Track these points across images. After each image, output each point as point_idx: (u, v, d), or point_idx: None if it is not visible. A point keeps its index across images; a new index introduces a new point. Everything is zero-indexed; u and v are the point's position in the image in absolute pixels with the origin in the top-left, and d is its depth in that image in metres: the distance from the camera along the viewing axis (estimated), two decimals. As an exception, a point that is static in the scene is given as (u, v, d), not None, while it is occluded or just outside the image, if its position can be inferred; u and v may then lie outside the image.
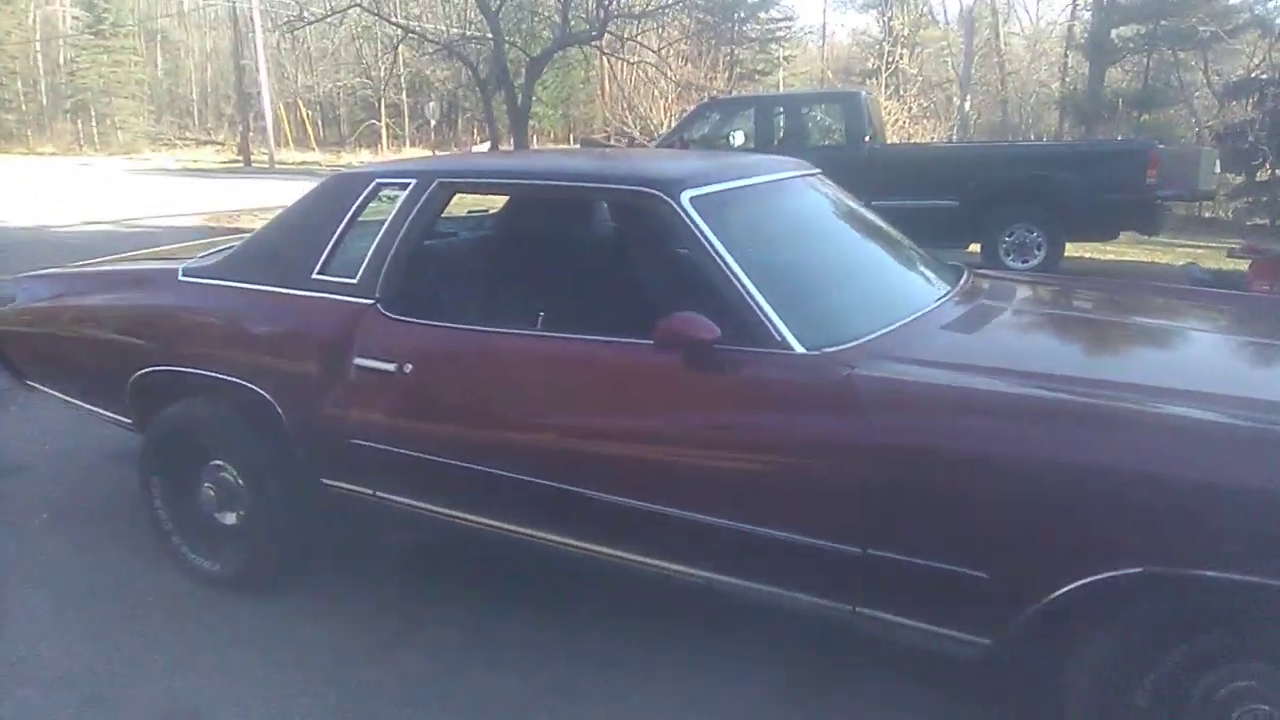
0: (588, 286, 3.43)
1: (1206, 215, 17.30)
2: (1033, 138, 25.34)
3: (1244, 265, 7.27)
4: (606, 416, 2.57)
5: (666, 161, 3.17)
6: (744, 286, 2.46)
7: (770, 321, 2.42)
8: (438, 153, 29.08)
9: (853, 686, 2.72)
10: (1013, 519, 2.12)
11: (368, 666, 2.84)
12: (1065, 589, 2.08)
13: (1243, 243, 7.57)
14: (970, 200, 9.13)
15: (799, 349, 2.39)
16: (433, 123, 31.34)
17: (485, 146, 18.87)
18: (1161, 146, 9.28)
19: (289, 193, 18.29)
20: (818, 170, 3.38)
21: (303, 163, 30.90)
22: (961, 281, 3.11)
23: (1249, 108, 17.56)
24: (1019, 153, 10.13)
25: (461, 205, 3.60)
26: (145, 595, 3.24)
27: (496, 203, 4.04)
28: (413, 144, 37.12)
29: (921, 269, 3.13)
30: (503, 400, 2.71)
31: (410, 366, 2.79)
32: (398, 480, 2.94)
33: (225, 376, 3.09)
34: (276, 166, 28.78)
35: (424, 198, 2.93)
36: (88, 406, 3.63)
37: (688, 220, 2.58)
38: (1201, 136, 18.94)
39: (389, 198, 3.04)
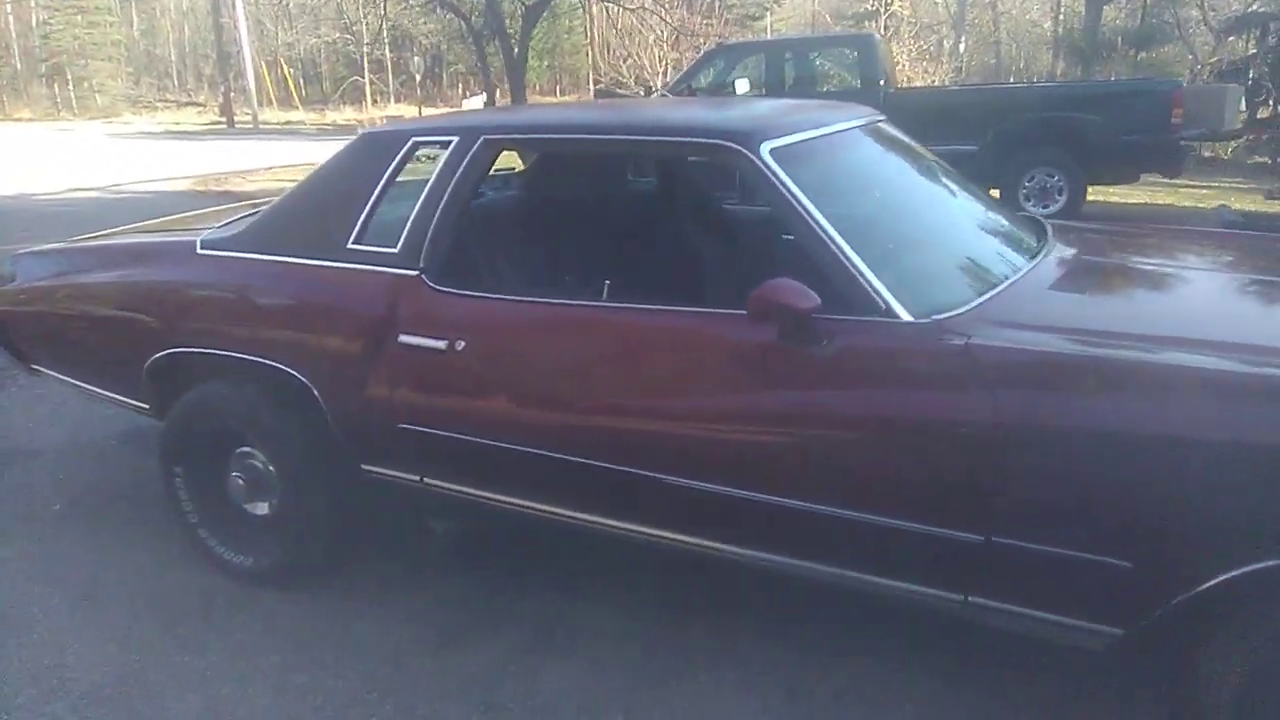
0: (656, 251, 3.17)
1: (1206, 154, 16.99)
2: (1029, 79, 24.92)
3: (1276, 206, 7.03)
4: (690, 395, 2.32)
5: (736, 110, 2.89)
6: (839, 248, 2.21)
7: (872, 287, 2.17)
8: (435, 110, 28.53)
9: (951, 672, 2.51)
10: (1166, 503, 1.89)
11: (427, 667, 2.62)
12: (1222, 577, 1.87)
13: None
14: (990, 145, 8.84)
15: (906, 316, 2.14)
16: (418, 78, 30.68)
17: (478, 100, 18.37)
18: (1185, 85, 8.97)
19: (276, 153, 17.98)
20: (882, 115, 3.11)
21: (287, 122, 30.32)
22: (1049, 236, 2.86)
23: (1248, 44, 17.21)
24: (1039, 94, 9.80)
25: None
26: (173, 594, 3.01)
27: (520, 160, 3.77)
28: (398, 100, 36.44)
29: (1006, 223, 2.88)
30: (569, 379, 2.46)
31: (463, 343, 2.54)
32: (449, 466, 2.70)
33: (253, 357, 2.83)
34: (260, 126, 28.21)
35: (468, 157, 2.66)
36: (99, 392, 3.36)
37: (770, 174, 2.32)
38: (1199, 74, 18.58)
39: (427, 157, 2.77)
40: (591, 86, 27.96)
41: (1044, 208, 8.82)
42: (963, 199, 2.87)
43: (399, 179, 2.79)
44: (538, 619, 2.82)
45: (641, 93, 13.71)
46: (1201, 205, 9.92)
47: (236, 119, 29.94)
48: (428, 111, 29.19)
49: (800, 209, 2.26)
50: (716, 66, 10.21)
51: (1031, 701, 2.42)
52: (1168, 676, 2.13)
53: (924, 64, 21.36)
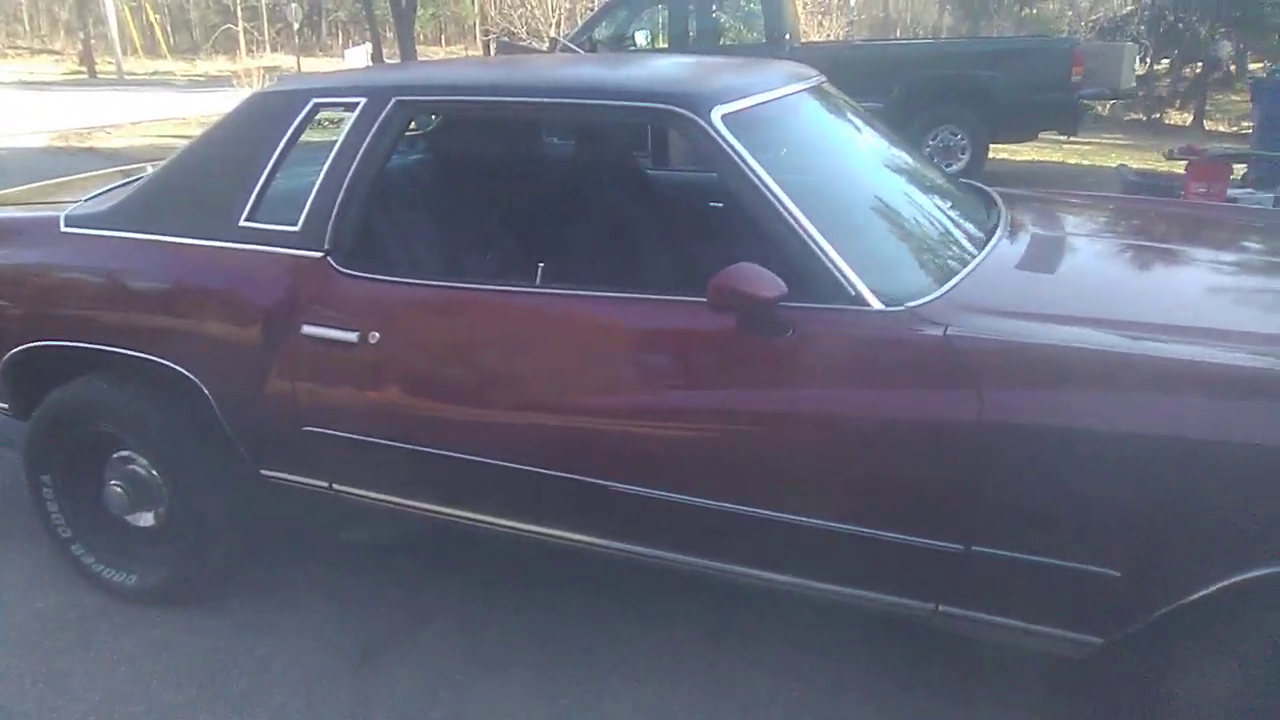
0: (593, 229, 2.90)
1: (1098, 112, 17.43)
2: (916, 34, 25.13)
3: (1175, 166, 7.12)
4: (638, 392, 2.09)
5: (679, 69, 2.63)
6: (803, 228, 2.00)
7: (840, 271, 1.97)
8: (314, 60, 27.28)
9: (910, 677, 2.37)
10: (1162, 507, 1.75)
11: (344, 698, 2.35)
12: (1217, 585, 1.75)
13: (1182, 145, 7.43)
14: (895, 102, 8.75)
15: (877, 304, 1.95)
16: (295, 26, 29.28)
17: (362, 51, 17.56)
18: (1084, 43, 9.05)
19: (143, 105, 16.86)
20: (822, 75, 2.89)
21: (155, 72, 28.55)
22: (1000, 206, 2.71)
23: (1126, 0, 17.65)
24: (944, 50, 9.77)
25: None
26: (43, 621, 2.65)
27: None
28: (274, 49, 34.74)
29: (958, 193, 2.72)
30: (499, 376, 2.20)
31: (376, 335, 2.25)
32: (362, 471, 2.42)
33: (131, 352, 2.48)
34: (125, 77, 26.46)
35: (379, 121, 2.34)
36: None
37: (724, 144, 2.09)
38: (1078, 31, 18.98)
39: (330, 121, 2.44)
40: (479, 38, 27.12)
41: (947, 166, 8.79)
42: (913, 168, 2.68)
43: (298, 146, 2.46)
44: (463, 630, 2.57)
45: (542, 46, 13.20)
46: (1096, 163, 10.10)
47: (98, 68, 28.06)
48: (307, 63, 27.90)
49: (758, 183, 2.04)
50: (617, 18, 9.85)
51: (994, 705, 2.30)
52: (1146, 685, 2.01)
53: (818, 17, 21.29)
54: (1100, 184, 8.24)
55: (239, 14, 36.68)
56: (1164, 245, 2.68)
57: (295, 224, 2.35)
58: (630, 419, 2.09)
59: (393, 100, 2.35)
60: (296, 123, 2.44)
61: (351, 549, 2.81)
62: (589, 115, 2.45)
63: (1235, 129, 15.09)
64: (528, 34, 19.16)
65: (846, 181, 2.40)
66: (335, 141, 2.37)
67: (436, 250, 2.54)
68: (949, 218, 2.48)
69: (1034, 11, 22.24)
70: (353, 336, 2.26)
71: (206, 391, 2.43)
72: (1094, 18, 19.67)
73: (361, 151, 2.34)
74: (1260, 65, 15.67)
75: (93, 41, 29.74)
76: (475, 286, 2.27)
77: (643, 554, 2.20)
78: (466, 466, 2.24)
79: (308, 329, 2.31)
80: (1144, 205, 3.48)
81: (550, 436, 2.15)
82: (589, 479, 2.14)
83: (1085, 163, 10.35)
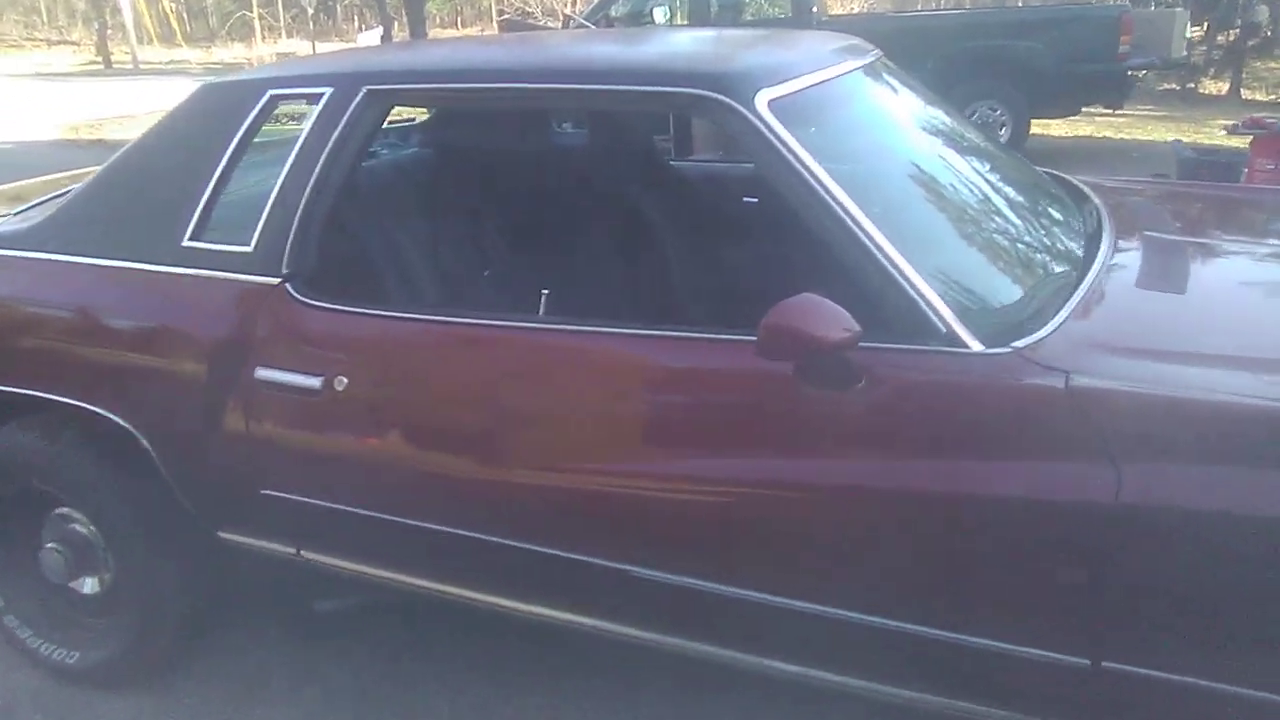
0: (613, 247, 2.45)
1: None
2: (960, 4, 24.41)
3: (1240, 142, 6.58)
4: (667, 456, 1.66)
5: (710, 44, 2.19)
6: (877, 247, 1.56)
7: (925, 302, 1.53)
8: (329, 45, 26.87)
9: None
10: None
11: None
12: None
13: (1245, 117, 6.89)
14: (930, 76, 8.20)
15: (976, 345, 1.51)
16: (310, 11, 28.79)
17: (374, 34, 17.10)
18: (1134, 10, 8.47)
19: (158, 94, 16.47)
20: (877, 49, 2.43)
21: (171, 61, 28.20)
22: (1093, 201, 2.25)
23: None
24: (982, 20, 9.17)
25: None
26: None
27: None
28: (289, 35, 34.35)
29: (1048, 188, 2.26)
30: (497, 430, 1.78)
31: (345, 380, 1.83)
32: (335, 538, 2.00)
33: (59, 398, 2.08)
34: (141, 66, 26.13)
35: (347, 116, 1.91)
36: None
37: (772, 137, 1.65)
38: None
39: (289, 118, 2.02)
40: (494, 19, 26.59)
41: (986, 145, 8.28)
42: (996, 160, 2.22)
43: (252, 148, 2.04)
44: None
45: (555, 25, 12.70)
46: (1139, 138, 9.50)
47: (114, 58, 27.77)
48: (323, 48, 27.48)
49: (819, 188, 1.60)
50: (635, -8, 9.36)
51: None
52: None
53: (843, -10, 20.62)
54: (1151, 161, 7.68)
55: (254, 1, 36.32)
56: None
57: (248, 244, 1.93)
58: (658, 490, 1.66)
59: (363, 90, 1.92)
60: (250, 119, 2.01)
61: (329, 620, 2.39)
62: (605, 102, 1.99)
63: (1273, 97, 14.45)
64: (543, 14, 18.63)
65: (922, 184, 1.94)
66: (295, 142, 1.95)
67: (419, 274, 2.10)
68: (1046, 223, 2.02)
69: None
70: (316, 382, 1.84)
71: (146, 445, 2.02)
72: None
73: (326, 153, 1.91)
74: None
75: (109, 31, 29.48)
76: (465, 320, 1.85)
77: (672, 645, 1.78)
78: (458, 539, 1.82)
79: (262, 373, 1.89)
80: (1250, 195, 3.00)
81: (560, 507, 1.74)
82: (608, 562, 1.72)
83: (1126, 137, 9.74)
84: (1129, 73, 8.28)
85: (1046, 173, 2.48)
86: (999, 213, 1.96)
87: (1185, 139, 8.39)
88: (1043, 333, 1.54)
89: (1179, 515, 1.37)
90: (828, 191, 1.59)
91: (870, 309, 1.54)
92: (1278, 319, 1.76)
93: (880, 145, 1.97)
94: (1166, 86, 15.22)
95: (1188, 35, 9.03)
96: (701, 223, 2.65)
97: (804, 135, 1.67)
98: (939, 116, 2.27)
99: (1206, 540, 1.36)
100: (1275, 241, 2.32)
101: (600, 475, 1.70)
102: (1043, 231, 1.96)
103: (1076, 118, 9.87)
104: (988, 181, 2.06)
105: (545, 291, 1.83)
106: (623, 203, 2.60)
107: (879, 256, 1.55)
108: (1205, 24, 15.50)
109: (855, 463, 1.54)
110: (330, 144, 1.91)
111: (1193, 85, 15.04)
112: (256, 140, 2.04)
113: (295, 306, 1.88)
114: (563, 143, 3.13)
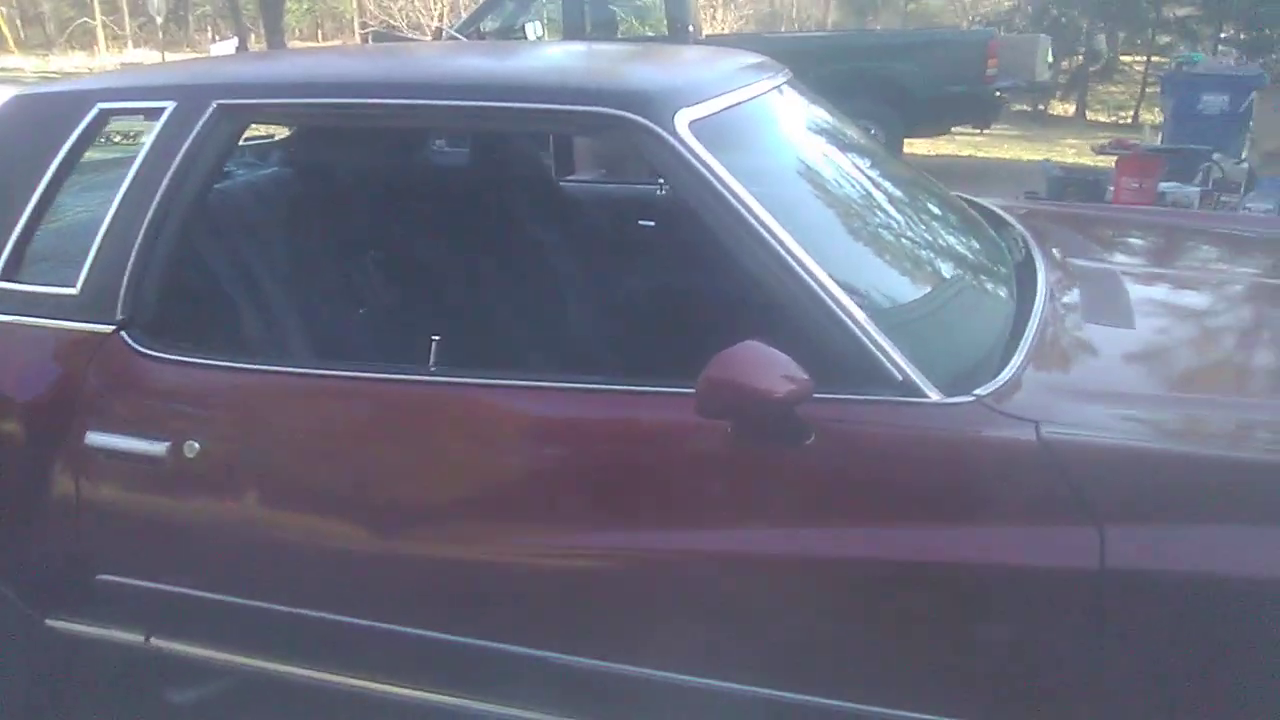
0: (515, 285, 2.19)
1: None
2: (804, 27, 24.92)
3: (1106, 161, 6.79)
4: (579, 527, 1.44)
5: (617, 60, 1.97)
6: (821, 286, 1.38)
7: (878, 347, 1.35)
8: (180, 56, 25.57)
9: None
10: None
11: None
12: None
13: (1113, 139, 7.12)
14: (808, 97, 8.24)
15: (934, 394, 1.34)
16: (159, 19, 27.42)
17: (229, 45, 16.32)
18: (1000, 35, 8.71)
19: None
20: (785, 68, 2.27)
21: (2, 70, 26.48)
22: (1014, 227, 2.14)
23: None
24: (858, 42, 9.31)
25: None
26: None
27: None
28: (136, 45, 32.68)
29: (970, 215, 2.13)
30: (378, 500, 1.52)
31: (196, 445, 1.54)
32: (189, 624, 1.70)
33: None
34: (-32, 75, 24.43)
35: (194, 134, 1.62)
36: None
37: (695, 162, 1.45)
38: (966, 24, 18.94)
39: (123, 138, 1.72)
40: (358, 31, 25.83)
41: (860, 163, 8.34)
42: (919, 190, 2.08)
43: (78, 171, 1.72)
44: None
45: (425, 38, 12.29)
46: (1000, 157, 9.77)
47: (-62, 66, 25.87)
48: (173, 59, 26.20)
49: (751, 220, 1.41)
50: (506, 8, 9.11)
51: None
52: None
53: (710, 10, 20.82)
54: (1018, 179, 7.85)
55: (97, 7, 34.43)
56: (1241, 275, 2.13)
57: (73, 285, 1.62)
58: (568, 566, 1.44)
59: (212, 105, 1.63)
60: (74, 138, 1.69)
61: (188, 712, 2.06)
62: (502, 122, 1.75)
63: (1115, 118, 15.25)
64: (408, 28, 18.11)
65: (854, 214, 1.77)
66: (131, 165, 1.65)
67: (283, 317, 1.80)
68: (981, 254, 1.88)
69: (919, 5, 22.19)
70: (160, 448, 1.54)
71: (-50, 524, 1.68)
72: (980, 12, 19.67)
73: (169, 179, 1.61)
74: (1131, 59, 15.90)
75: (-68, 37, 27.46)
76: (338, 374, 1.58)
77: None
78: (333, 624, 1.56)
79: (95, 438, 1.58)
80: (1148, 219, 2.96)
81: (453, 588, 1.50)
82: (511, 647, 1.48)
83: (988, 156, 10.03)
84: (997, 94, 8.49)
85: (962, 197, 2.37)
86: (936, 245, 1.81)
87: (1040, 157, 8.66)
88: (1003, 378, 1.39)
89: (1175, 582, 1.22)
90: (761, 224, 1.40)
91: (812, 355, 1.35)
92: (1231, 355, 1.65)
93: (807, 172, 1.80)
94: (1020, 108, 15.86)
95: (1049, 59, 9.34)
96: (603, 253, 2.43)
97: (729, 160, 1.48)
98: (857, 139, 2.12)
99: (1206, 611, 1.22)
100: (1192, 265, 2.26)
101: (504, 551, 1.47)
102: (980, 264, 1.82)
103: (939, 138, 10.13)
104: (918, 211, 1.91)
105: (436, 338, 1.58)
106: (513, 230, 2.37)
107: (823, 297, 1.37)
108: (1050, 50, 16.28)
109: (805, 529, 1.35)
110: (174, 168, 1.61)
111: (1043, 107, 15.73)
112: (85, 160, 1.73)
113: (133, 359, 1.58)
114: (442, 162, 2.86)
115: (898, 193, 1.94)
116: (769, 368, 1.27)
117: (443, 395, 1.53)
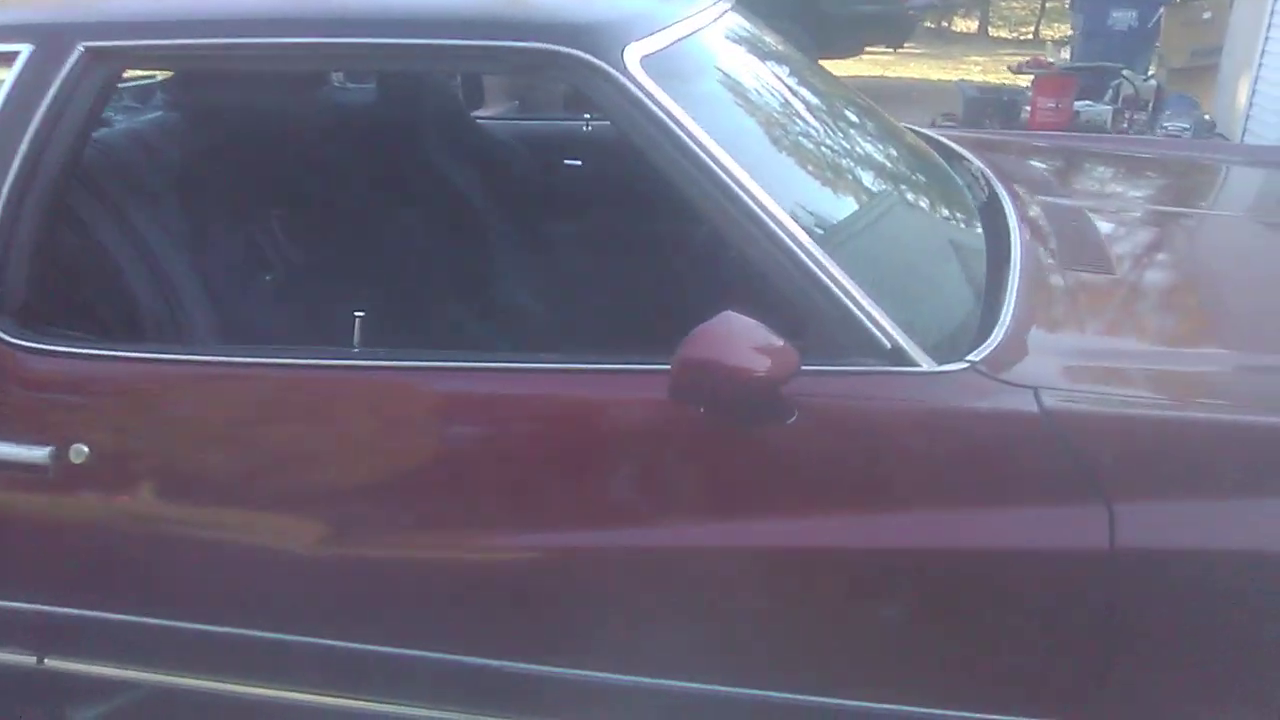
0: (447, 245, 1.98)
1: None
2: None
3: (1023, 80, 6.74)
4: (538, 525, 1.29)
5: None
6: (797, 244, 1.23)
7: (863, 311, 1.21)
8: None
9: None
10: None
11: None
12: None
13: (1026, 57, 7.06)
14: (718, 19, 8.00)
15: (926, 362, 1.21)
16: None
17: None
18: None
19: None
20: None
21: None
22: (976, 165, 2.00)
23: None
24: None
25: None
26: None
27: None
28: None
29: (926, 153, 1.98)
30: (299, 501, 1.35)
31: (85, 449, 1.33)
32: (87, 640, 1.51)
33: None
34: None
35: (58, 83, 1.38)
36: None
37: (651, 105, 1.27)
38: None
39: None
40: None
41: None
42: (876, 125, 1.92)
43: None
44: None
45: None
46: (913, 76, 9.69)
47: None
48: None
49: (719, 173, 1.24)
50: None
51: None
52: None
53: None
54: (934, 100, 7.79)
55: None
56: (1201, 209, 2.04)
57: (-79, 266, 1.38)
58: (522, 566, 1.29)
59: (78, 48, 1.39)
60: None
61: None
62: (423, 62, 1.51)
63: (1016, 34, 15.33)
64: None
65: (821, 161, 1.60)
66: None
67: (178, 291, 1.57)
68: (948, 196, 1.74)
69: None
70: (41, 454, 1.33)
71: None
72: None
73: (29, 137, 1.37)
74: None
75: None
76: (243, 359, 1.38)
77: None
78: (248, 639, 1.39)
79: (-38, 445, 1.36)
80: (1087, 145, 2.87)
81: (381, 592, 1.34)
82: (457, 657, 1.34)
83: (896, 75, 9.93)
84: (910, 12, 8.37)
85: (909, 128, 2.23)
86: (907, 189, 1.67)
87: (947, 76, 8.61)
88: (994, 340, 1.26)
89: (1191, 559, 1.13)
90: (729, 174, 1.24)
91: (787, 320, 1.21)
92: (1224, 301, 1.56)
93: (768, 112, 1.62)
94: (925, 25, 15.84)
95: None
96: (533, 202, 2.24)
97: (686, 101, 1.31)
98: (811, 73, 1.95)
99: (1216, 587, 1.13)
100: (1149, 198, 2.17)
101: (442, 553, 1.31)
102: (949, 208, 1.69)
103: (848, 59, 10.00)
104: (882, 151, 1.76)
105: (359, 315, 1.38)
106: (431, 176, 2.15)
107: (800, 255, 1.22)
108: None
109: (789, 517, 1.22)
110: (35, 124, 1.37)
111: (947, 24, 15.70)
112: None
113: (2, 353, 1.36)
114: (345, 100, 2.60)
115: (858, 133, 1.78)
116: (753, 344, 1.12)
117: (372, 379, 1.35)
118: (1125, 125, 6.13)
